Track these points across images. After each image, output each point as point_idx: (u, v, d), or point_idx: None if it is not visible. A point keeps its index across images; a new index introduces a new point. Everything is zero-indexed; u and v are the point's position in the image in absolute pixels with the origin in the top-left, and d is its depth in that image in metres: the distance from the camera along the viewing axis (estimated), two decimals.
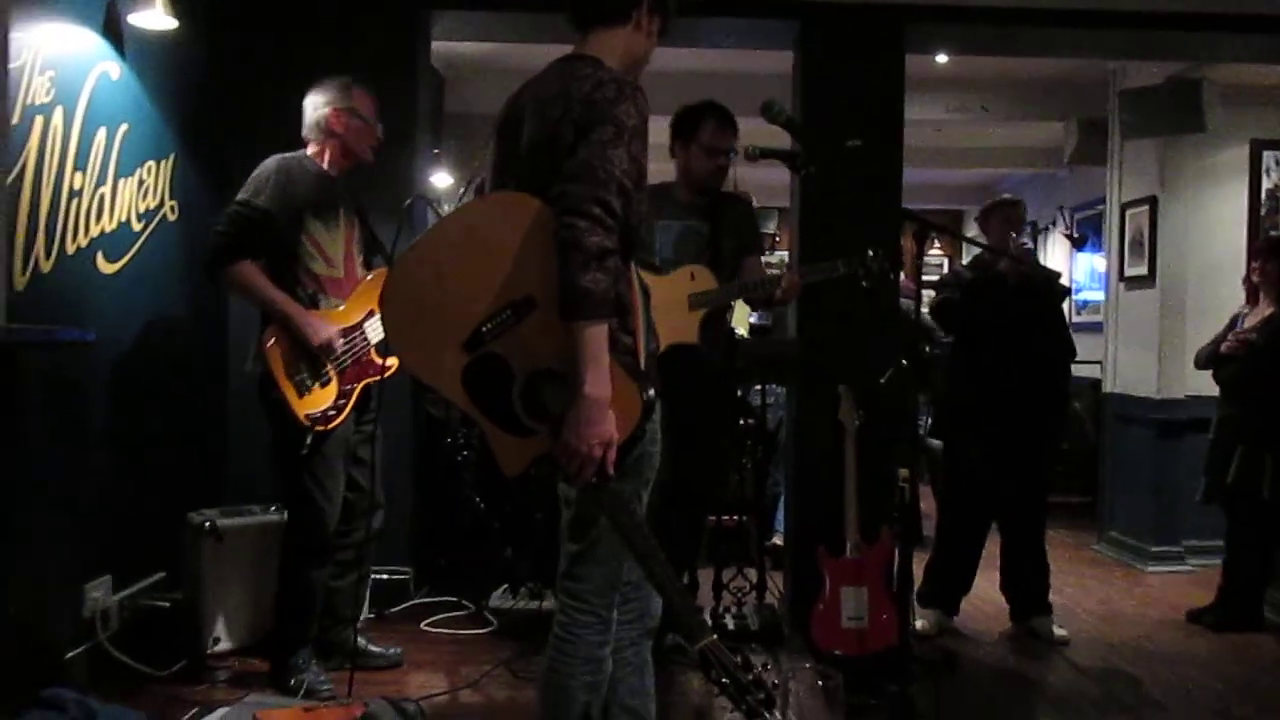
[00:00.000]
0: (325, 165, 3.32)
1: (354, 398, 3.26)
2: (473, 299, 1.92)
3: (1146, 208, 5.59)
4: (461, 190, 4.61)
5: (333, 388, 3.20)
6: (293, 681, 3.20)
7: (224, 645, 3.52)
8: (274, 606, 3.32)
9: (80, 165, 3.10)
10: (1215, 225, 5.58)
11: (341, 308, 3.28)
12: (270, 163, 3.22)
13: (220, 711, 2.83)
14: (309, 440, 3.14)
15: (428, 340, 1.96)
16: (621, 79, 2.01)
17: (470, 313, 1.92)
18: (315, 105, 3.30)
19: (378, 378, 3.32)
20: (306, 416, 3.14)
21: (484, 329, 1.92)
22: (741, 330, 5.57)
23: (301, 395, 3.15)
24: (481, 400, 1.96)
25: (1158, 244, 5.52)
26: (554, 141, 1.97)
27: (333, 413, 3.20)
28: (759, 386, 4.68)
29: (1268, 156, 5.50)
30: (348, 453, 3.33)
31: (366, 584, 3.68)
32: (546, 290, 1.89)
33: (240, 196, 3.18)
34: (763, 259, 4.09)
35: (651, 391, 2.04)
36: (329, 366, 3.20)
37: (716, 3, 4.25)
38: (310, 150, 3.33)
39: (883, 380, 3.47)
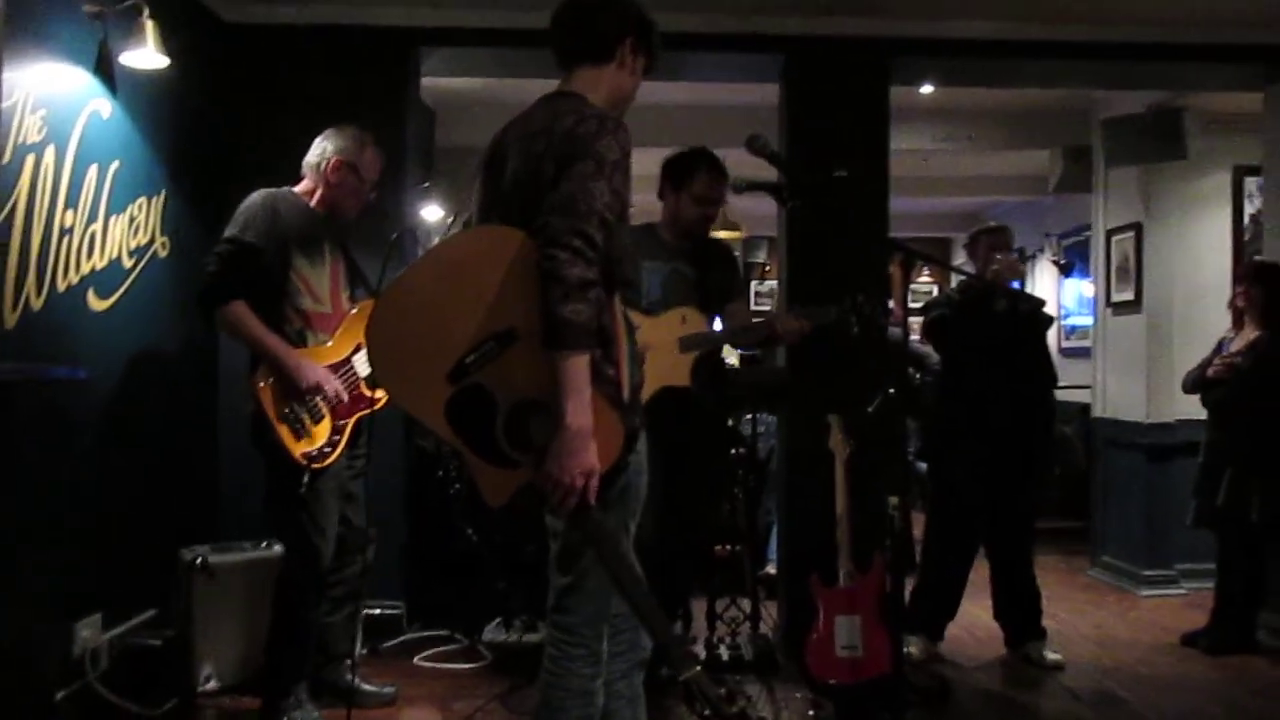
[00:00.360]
0: (314, 203, 3.33)
1: (347, 433, 3.25)
2: (456, 331, 1.94)
3: (1132, 234, 5.64)
4: (449, 224, 4.64)
5: (326, 424, 3.20)
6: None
7: (215, 684, 3.50)
8: (266, 645, 3.30)
9: (71, 203, 3.12)
10: (1200, 251, 5.63)
11: (329, 344, 3.28)
12: (257, 197, 3.21)
13: None
14: (306, 479, 3.13)
15: (412, 372, 1.97)
16: (604, 114, 2.04)
17: (454, 344, 1.94)
18: (324, 148, 3.30)
19: (369, 410, 3.30)
20: (303, 455, 3.13)
21: (467, 360, 1.93)
22: (732, 359, 5.59)
23: (298, 436, 3.14)
24: (465, 432, 1.97)
25: (1143, 270, 5.57)
26: (536, 176, 2.00)
27: (328, 449, 3.19)
28: (750, 415, 4.69)
29: (1249, 183, 5.56)
30: (340, 488, 3.33)
31: (359, 620, 3.67)
32: (528, 322, 1.91)
33: (228, 233, 3.16)
34: (755, 287, 4.13)
35: (635, 421, 2.05)
36: (322, 404, 3.19)
37: (703, 37, 4.31)
38: (302, 187, 3.34)
39: (871, 409, 3.49)
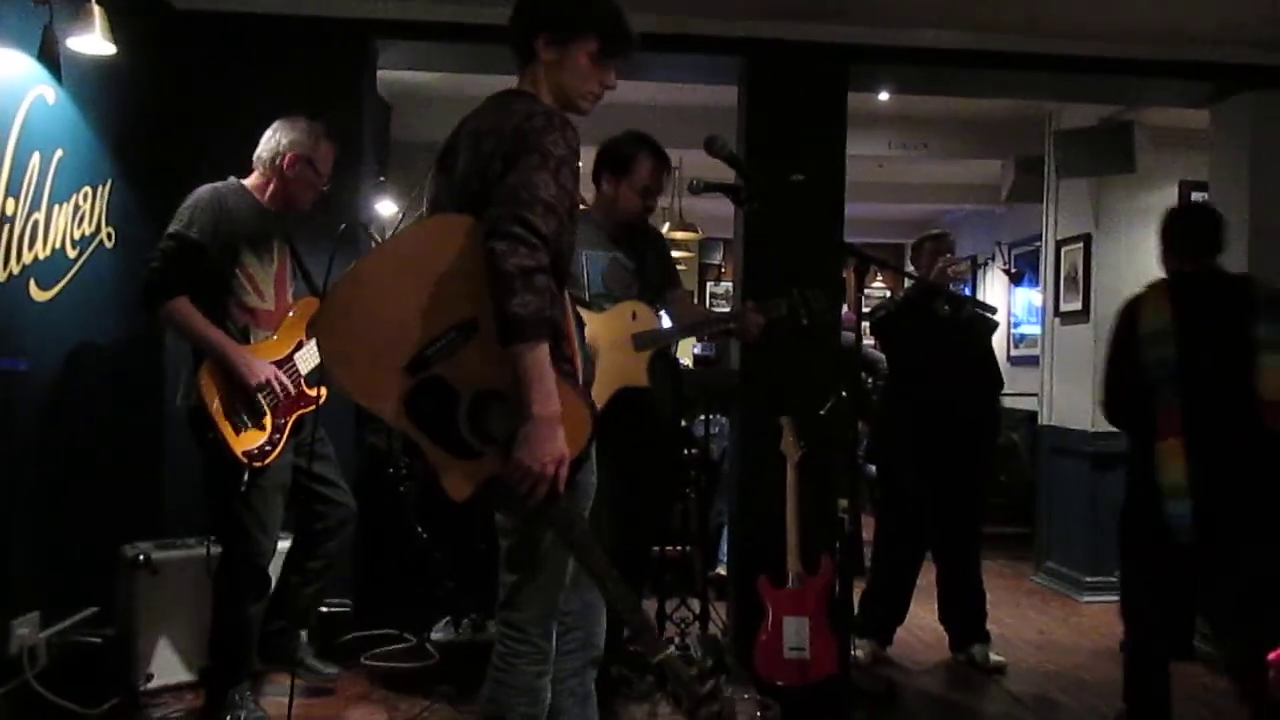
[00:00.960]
0: (264, 199, 3.28)
1: (287, 431, 3.22)
2: (414, 322, 1.91)
3: (1081, 245, 5.73)
4: (400, 218, 4.60)
5: (267, 422, 3.16)
6: (229, 719, 3.14)
7: (158, 682, 3.44)
8: (209, 642, 3.25)
9: (13, 191, 3.04)
10: (1147, 263, 5.66)
11: (274, 338, 3.25)
12: (203, 192, 3.16)
13: None
14: (246, 477, 3.09)
15: (367, 365, 1.94)
16: (551, 111, 2.04)
17: (411, 336, 1.91)
18: (277, 141, 3.25)
19: (310, 408, 3.29)
20: (244, 454, 3.09)
21: (428, 352, 1.91)
22: (685, 360, 5.59)
23: (239, 432, 3.10)
24: (426, 424, 1.94)
25: (1092, 280, 5.66)
26: (485, 173, 1.99)
27: (269, 448, 3.15)
28: (703, 417, 4.70)
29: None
30: (287, 491, 3.30)
31: (322, 596, 3.68)
32: (487, 311, 1.88)
33: (171, 228, 3.11)
34: (711, 288, 4.13)
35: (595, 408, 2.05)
36: (264, 402, 3.15)
37: (663, 37, 4.30)
38: (251, 181, 3.29)
39: (823, 412, 3.51)
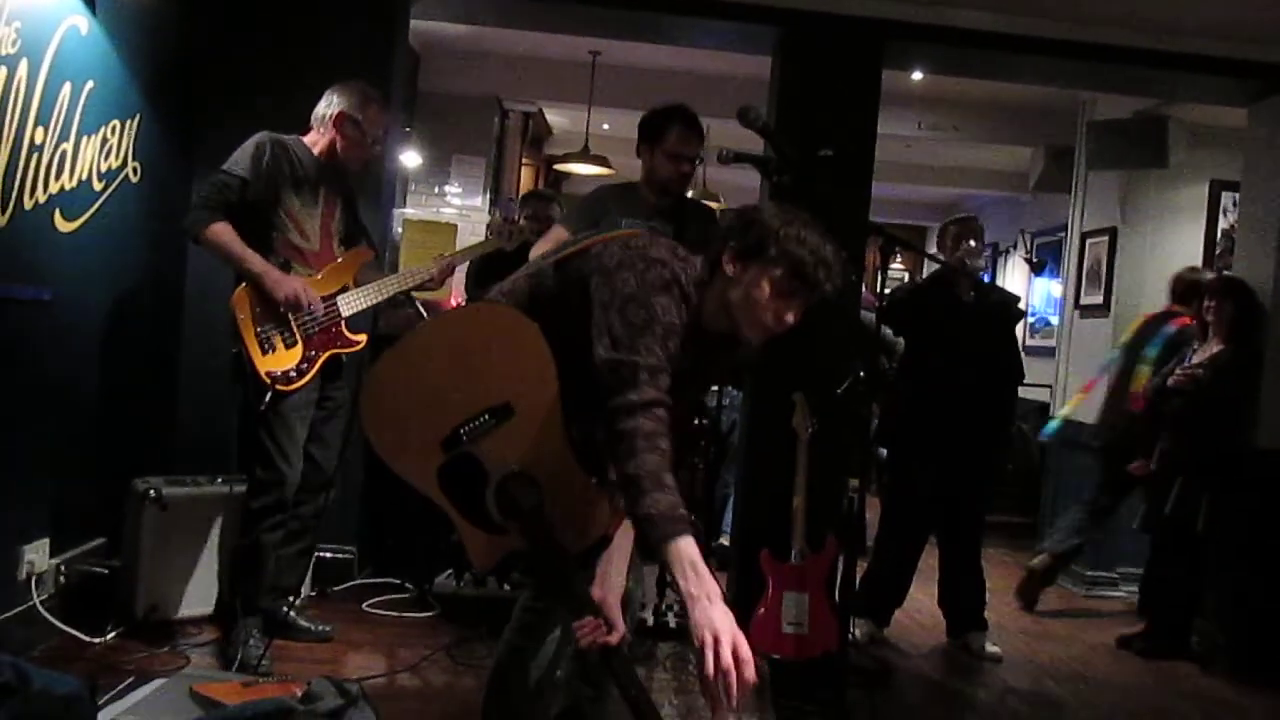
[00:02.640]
0: (317, 151, 3.40)
1: (318, 364, 3.28)
2: (451, 401, 1.98)
3: (1106, 238, 5.69)
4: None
5: (298, 350, 3.23)
6: (237, 653, 3.20)
7: (162, 615, 3.48)
8: (222, 571, 3.31)
9: (43, 120, 3.04)
10: (1171, 260, 5.68)
11: (319, 277, 3.33)
12: (257, 136, 3.29)
13: (157, 683, 2.78)
14: (268, 397, 3.16)
15: (406, 436, 2.01)
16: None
17: (448, 414, 1.97)
18: (330, 101, 3.39)
19: (346, 350, 3.36)
20: (268, 374, 3.17)
21: (462, 431, 1.97)
22: None
23: (265, 352, 3.18)
24: (456, 496, 2.01)
25: (1114, 275, 5.63)
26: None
27: (294, 374, 3.22)
28: (715, 388, 4.70)
29: (1226, 197, 5.62)
30: (308, 425, 3.35)
31: (310, 559, 3.69)
32: (521, 399, 1.96)
33: (223, 166, 3.25)
34: None
35: None
36: (295, 328, 3.21)
37: (699, 4, 4.26)
38: (309, 137, 3.42)
39: (840, 391, 3.50)
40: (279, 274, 3.19)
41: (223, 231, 3.17)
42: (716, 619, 1.71)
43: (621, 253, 1.96)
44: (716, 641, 1.69)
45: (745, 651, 1.70)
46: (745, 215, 2.06)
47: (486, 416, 1.97)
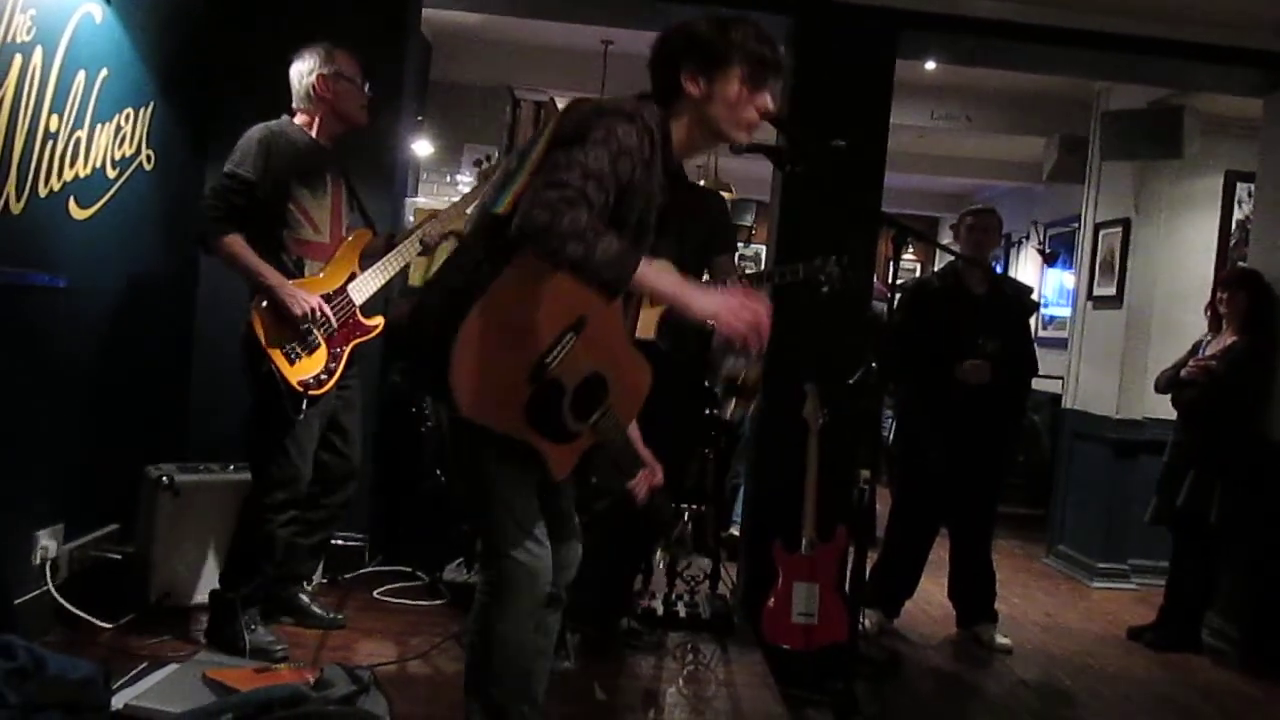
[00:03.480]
0: (314, 133, 3.33)
1: (344, 360, 3.29)
2: (536, 334, 2.02)
3: (1119, 229, 5.66)
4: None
5: (322, 353, 3.23)
6: (241, 642, 3.19)
7: (175, 601, 3.50)
8: (225, 564, 3.32)
9: (57, 108, 3.05)
10: (1185, 252, 5.66)
11: (323, 274, 3.30)
12: (254, 132, 3.23)
13: (170, 668, 2.80)
14: (305, 406, 3.16)
15: (495, 382, 2.02)
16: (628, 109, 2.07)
17: (535, 347, 2.02)
18: (300, 74, 3.30)
19: (366, 338, 3.36)
20: (300, 384, 3.16)
21: (548, 360, 2.02)
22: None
23: (292, 362, 3.16)
24: (538, 423, 2.06)
25: (1128, 266, 5.60)
26: None
27: (324, 376, 3.22)
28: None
29: (1241, 188, 5.58)
30: (327, 417, 3.36)
31: (324, 549, 3.69)
32: (590, 306, 2.04)
33: (226, 168, 3.20)
34: (740, 251, 4.11)
35: None
36: (316, 332, 3.21)
37: None
38: (299, 119, 3.34)
39: (851, 381, 3.50)
40: (290, 289, 3.15)
41: (235, 243, 3.14)
42: (715, 299, 1.97)
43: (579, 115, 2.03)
44: (730, 311, 1.93)
45: (757, 308, 1.95)
46: (686, 39, 2.13)
47: (568, 337, 2.04)
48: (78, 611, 3.24)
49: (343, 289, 3.31)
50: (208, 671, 2.68)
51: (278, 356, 3.13)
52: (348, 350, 3.30)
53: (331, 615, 3.60)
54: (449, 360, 1.96)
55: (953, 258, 4.47)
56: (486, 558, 2.22)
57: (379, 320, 3.37)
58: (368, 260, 3.38)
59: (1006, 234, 8.99)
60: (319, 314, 3.19)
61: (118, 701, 2.46)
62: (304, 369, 3.18)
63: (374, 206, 3.72)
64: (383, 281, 3.37)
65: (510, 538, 2.13)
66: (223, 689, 2.58)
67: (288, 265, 3.23)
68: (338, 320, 3.26)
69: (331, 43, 3.34)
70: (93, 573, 3.42)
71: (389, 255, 3.38)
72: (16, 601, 3.02)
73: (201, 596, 3.54)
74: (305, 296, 3.16)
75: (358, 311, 3.33)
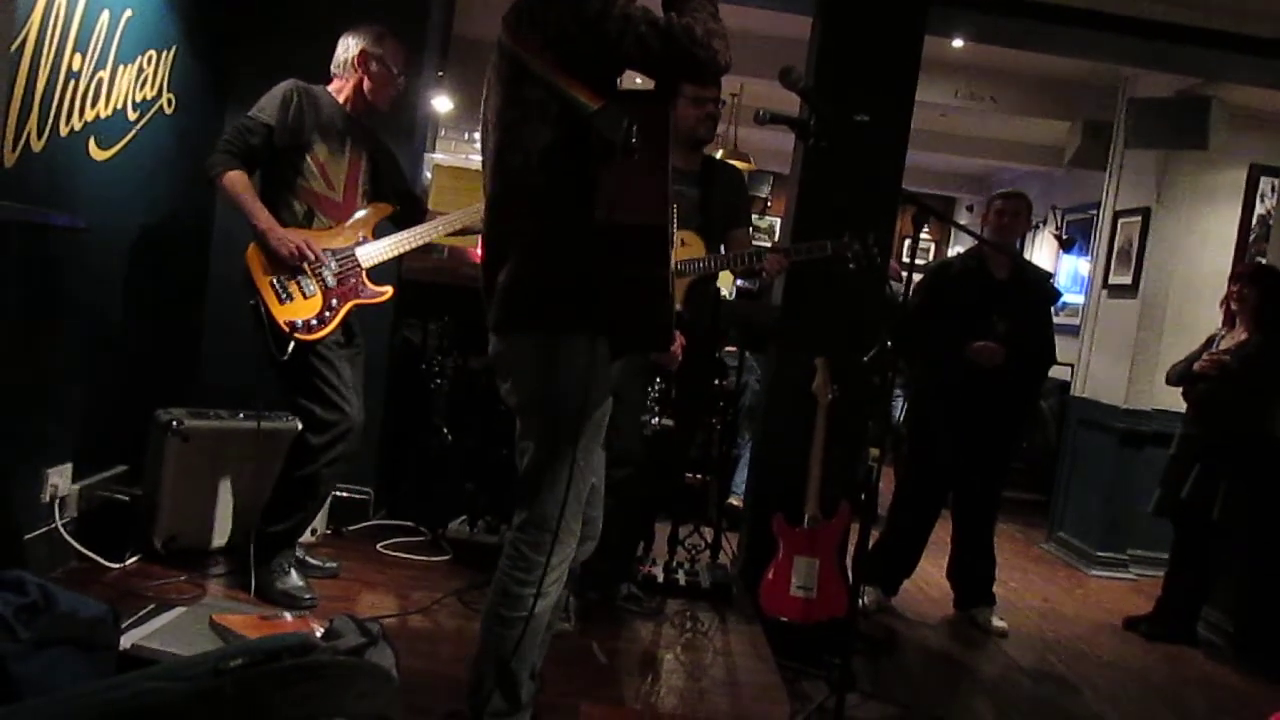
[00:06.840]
0: (343, 100, 3.40)
1: (340, 314, 3.30)
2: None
3: (1139, 218, 5.63)
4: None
5: (317, 300, 3.25)
6: (277, 585, 3.27)
7: (181, 545, 3.53)
8: (268, 502, 3.35)
9: (81, 47, 3.03)
10: (1204, 244, 5.63)
11: (332, 230, 3.33)
12: (285, 84, 3.30)
13: (177, 611, 2.82)
14: (290, 347, 3.18)
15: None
16: None
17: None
18: (347, 45, 3.39)
19: (370, 301, 3.39)
20: (287, 323, 3.19)
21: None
22: (726, 292, 5.58)
23: (281, 301, 3.20)
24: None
25: (1145, 255, 5.57)
26: None
27: (315, 323, 3.24)
28: (733, 349, 4.70)
29: (1264, 182, 5.55)
30: (352, 366, 3.40)
31: (325, 502, 3.71)
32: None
33: (249, 111, 3.27)
34: (754, 223, 4.10)
35: None
36: (312, 278, 3.24)
37: None
38: (334, 85, 3.42)
39: (866, 359, 3.50)
40: (281, 231, 3.19)
41: (236, 180, 3.19)
42: None
43: None
44: None
45: None
46: None
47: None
48: (85, 550, 3.27)
49: (350, 249, 3.35)
50: (215, 616, 2.71)
51: (267, 292, 3.19)
52: (345, 308, 3.32)
53: (326, 564, 3.65)
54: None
55: (971, 239, 4.44)
56: (532, 533, 2.26)
57: (388, 289, 3.40)
58: (384, 232, 3.43)
59: None
60: (308, 254, 3.21)
61: (125, 641, 2.48)
62: (294, 311, 3.21)
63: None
64: (394, 254, 3.41)
65: (569, 513, 2.20)
66: (229, 634, 2.60)
67: (297, 213, 3.28)
68: (337, 275, 3.28)
69: (386, 29, 3.42)
70: (101, 513, 3.44)
71: (407, 232, 3.42)
72: (26, 537, 3.05)
73: (205, 540, 3.57)
74: (292, 236, 3.20)
75: (364, 274, 3.35)
